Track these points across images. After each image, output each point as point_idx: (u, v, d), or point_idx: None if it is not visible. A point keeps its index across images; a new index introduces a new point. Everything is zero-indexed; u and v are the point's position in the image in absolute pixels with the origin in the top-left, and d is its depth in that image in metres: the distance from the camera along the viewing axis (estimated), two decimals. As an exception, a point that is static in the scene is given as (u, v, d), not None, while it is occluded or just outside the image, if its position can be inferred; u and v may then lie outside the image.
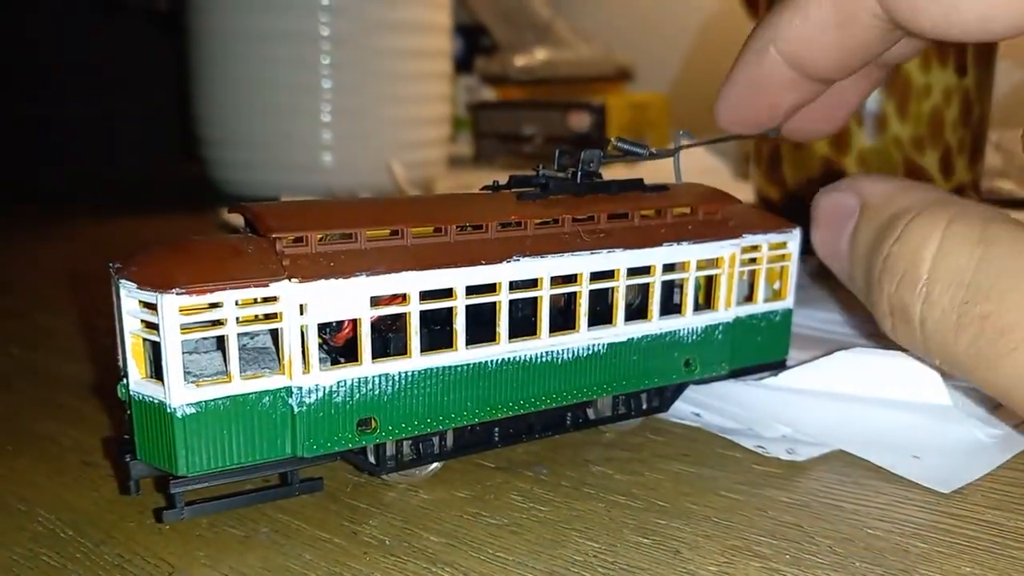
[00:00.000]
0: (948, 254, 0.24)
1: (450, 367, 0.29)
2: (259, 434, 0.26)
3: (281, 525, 0.28)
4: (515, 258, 0.29)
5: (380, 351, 0.28)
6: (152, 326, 0.25)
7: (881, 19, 0.29)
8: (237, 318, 0.25)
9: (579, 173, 0.32)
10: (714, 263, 0.34)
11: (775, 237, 0.36)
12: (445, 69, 1.05)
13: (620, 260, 0.32)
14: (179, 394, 0.25)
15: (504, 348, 0.30)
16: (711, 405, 0.37)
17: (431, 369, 0.29)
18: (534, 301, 0.31)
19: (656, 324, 0.33)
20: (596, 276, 0.31)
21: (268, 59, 0.92)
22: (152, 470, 0.27)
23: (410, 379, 0.28)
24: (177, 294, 0.24)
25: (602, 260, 0.31)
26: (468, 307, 0.29)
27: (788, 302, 0.37)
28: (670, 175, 0.37)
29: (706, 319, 0.35)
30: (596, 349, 0.32)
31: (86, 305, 0.56)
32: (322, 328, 0.28)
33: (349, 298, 0.27)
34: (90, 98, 1.16)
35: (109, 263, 0.27)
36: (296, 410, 0.26)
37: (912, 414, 0.35)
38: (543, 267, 0.30)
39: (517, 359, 0.30)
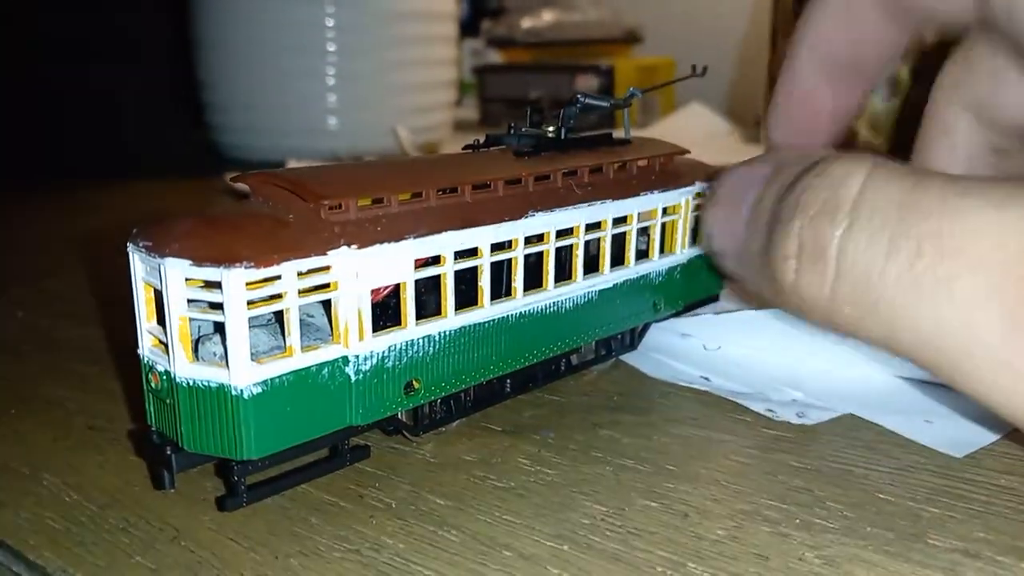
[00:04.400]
0: (877, 184, 0.21)
1: (479, 324, 0.30)
2: (320, 407, 0.26)
3: (287, 489, 0.28)
4: (530, 214, 0.30)
5: (416, 313, 0.28)
6: (214, 305, 0.24)
7: None
8: (299, 290, 0.24)
9: (563, 130, 0.34)
10: (674, 209, 0.37)
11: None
12: (451, 32, 1.03)
13: (607, 211, 0.33)
14: (245, 374, 0.24)
15: (520, 302, 0.31)
16: (720, 369, 0.37)
17: (464, 327, 0.29)
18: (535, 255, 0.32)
19: (633, 269, 0.35)
20: (588, 227, 0.33)
21: (272, 22, 0.91)
22: (200, 460, 0.26)
23: (447, 338, 0.29)
24: (245, 268, 0.23)
25: (595, 212, 0.33)
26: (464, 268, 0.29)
27: None
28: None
29: (668, 261, 0.37)
30: (590, 296, 0.34)
31: (93, 271, 0.56)
32: None
33: (397, 262, 0.26)
34: (94, 64, 1.15)
35: (130, 242, 0.25)
36: (353, 378, 0.26)
37: (924, 377, 0.34)
38: (550, 221, 0.31)
39: (531, 311, 0.31)
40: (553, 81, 1.18)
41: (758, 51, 0.94)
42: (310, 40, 0.91)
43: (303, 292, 0.25)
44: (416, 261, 0.27)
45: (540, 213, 0.31)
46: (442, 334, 0.29)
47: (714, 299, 0.42)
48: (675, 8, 1.38)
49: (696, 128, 1.05)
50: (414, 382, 0.28)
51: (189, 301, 0.24)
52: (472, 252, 0.29)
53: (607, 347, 0.37)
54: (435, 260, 0.28)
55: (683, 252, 0.38)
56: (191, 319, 0.24)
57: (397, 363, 0.27)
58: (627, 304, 0.36)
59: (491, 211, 0.29)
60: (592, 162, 0.33)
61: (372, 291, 0.27)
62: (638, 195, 0.34)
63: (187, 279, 0.24)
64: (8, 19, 1.10)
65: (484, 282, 0.30)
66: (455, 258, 0.28)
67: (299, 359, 0.25)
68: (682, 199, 0.37)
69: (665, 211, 0.36)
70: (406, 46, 0.95)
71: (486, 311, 0.30)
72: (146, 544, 0.25)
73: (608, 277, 0.34)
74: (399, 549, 0.25)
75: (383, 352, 0.27)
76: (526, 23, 1.31)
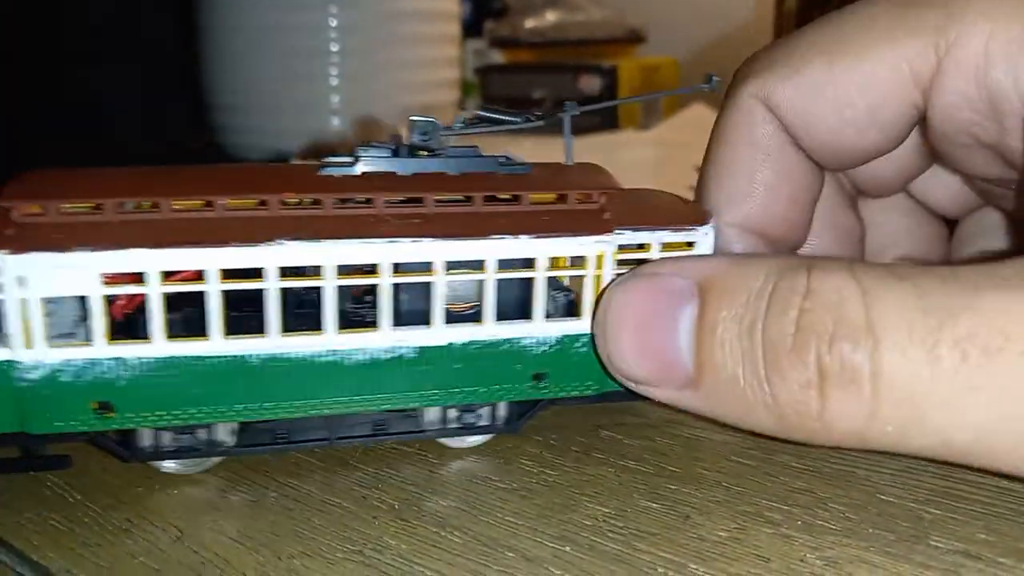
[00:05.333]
0: (878, 291, 0.21)
1: (200, 357, 0.26)
2: None
3: (290, 489, 0.28)
4: (279, 240, 0.26)
5: (139, 331, 0.26)
6: None
7: (786, 136, 0.30)
8: None
9: (400, 148, 0.29)
10: (579, 262, 0.29)
11: (671, 236, 0.29)
12: (454, 32, 1.03)
13: (430, 251, 0.27)
14: None
15: (273, 343, 0.27)
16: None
17: (176, 358, 0.26)
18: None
19: (489, 329, 0.28)
20: (408, 268, 0.27)
21: (276, 24, 0.91)
22: None
23: (151, 366, 0.26)
24: None
25: (406, 250, 0.27)
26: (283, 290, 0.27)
27: None
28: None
29: (564, 328, 0.29)
30: (401, 353, 0.28)
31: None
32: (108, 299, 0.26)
33: (74, 274, 0.25)
34: (98, 65, 1.15)
35: None
36: (20, 385, 0.25)
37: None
38: (323, 253, 0.26)
39: (290, 357, 0.27)
40: (556, 81, 1.19)
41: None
42: (313, 42, 0.91)
43: None
44: (112, 276, 0.25)
45: (298, 241, 0.26)
46: (142, 361, 0.26)
47: None
48: (679, 9, 1.38)
49: (698, 130, 1.06)
50: (110, 404, 0.26)
51: None
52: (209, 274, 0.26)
53: (459, 420, 0.30)
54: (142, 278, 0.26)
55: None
56: None
57: (78, 380, 0.26)
58: (478, 372, 0.29)
59: (228, 231, 0.26)
60: (446, 190, 0.28)
61: (117, 302, 0.26)
62: (489, 237, 0.27)
63: None
64: (12, 19, 1.11)
65: (213, 311, 0.26)
66: (164, 278, 0.25)
67: None
68: (588, 250, 0.28)
69: (553, 262, 0.29)
70: (409, 46, 0.95)
71: (213, 345, 0.26)
72: (150, 544, 0.25)
73: (437, 333, 0.28)
74: (402, 550, 0.25)
75: (56, 365, 0.25)
76: (529, 23, 1.31)
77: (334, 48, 0.91)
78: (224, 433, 0.28)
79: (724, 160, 0.31)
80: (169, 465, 0.29)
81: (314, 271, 0.27)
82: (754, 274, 0.23)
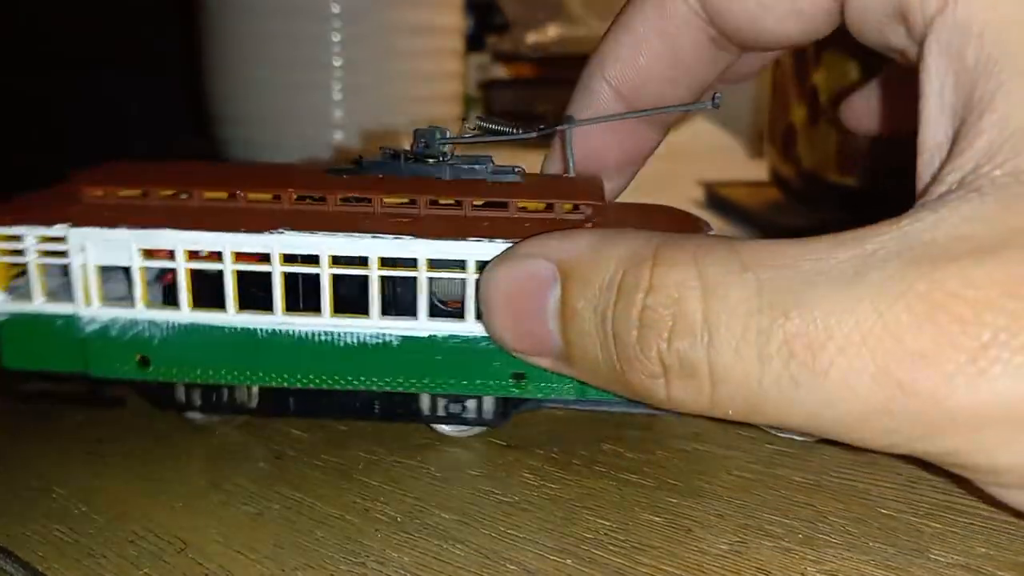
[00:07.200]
0: (719, 288, 0.21)
1: (217, 327, 0.30)
2: (57, 346, 0.31)
3: (293, 502, 0.28)
4: (280, 231, 0.29)
5: (197, 300, 0.30)
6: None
7: (700, 16, 0.30)
8: (38, 251, 0.30)
9: (403, 155, 0.31)
10: None
11: None
12: (456, 46, 1.04)
13: (413, 248, 0.29)
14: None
15: (277, 319, 0.30)
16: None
17: (197, 325, 0.30)
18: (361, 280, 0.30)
19: (469, 326, 0.29)
20: (399, 263, 0.29)
21: (279, 36, 0.92)
22: None
23: (178, 330, 0.30)
24: None
25: (390, 246, 0.29)
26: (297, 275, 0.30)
27: None
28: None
29: None
30: (387, 339, 0.30)
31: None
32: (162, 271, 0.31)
33: (118, 247, 0.30)
34: (102, 74, 1.16)
35: None
36: (83, 334, 0.31)
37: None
38: (317, 244, 0.29)
39: (290, 332, 0.30)
40: (558, 95, 1.19)
41: (762, 66, 0.94)
42: (316, 54, 0.91)
43: (42, 253, 0.30)
44: (152, 251, 0.30)
45: (296, 232, 0.29)
46: (171, 324, 0.30)
47: None
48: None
49: (700, 143, 1.06)
50: (148, 358, 0.31)
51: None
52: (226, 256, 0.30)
53: (446, 409, 0.32)
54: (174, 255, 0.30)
55: None
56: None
57: (123, 335, 0.30)
58: (457, 366, 0.30)
59: (242, 219, 0.29)
60: (439, 194, 0.30)
61: (166, 275, 0.31)
62: (467, 239, 0.29)
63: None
64: (15, 26, 1.11)
65: (228, 288, 0.30)
66: (189, 256, 0.30)
67: (38, 305, 0.31)
68: None
69: None
70: (412, 60, 0.96)
71: (228, 317, 0.30)
72: (154, 556, 0.25)
73: (420, 325, 0.30)
74: (404, 563, 0.25)
75: (107, 321, 0.30)
76: (531, 38, 1.32)
77: (337, 62, 0.91)
78: (245, 395, 0.32)
79: (628, 22, 0.34)
80: (195, 415, 0.33)
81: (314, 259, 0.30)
82: (606, 262, 0.24)
